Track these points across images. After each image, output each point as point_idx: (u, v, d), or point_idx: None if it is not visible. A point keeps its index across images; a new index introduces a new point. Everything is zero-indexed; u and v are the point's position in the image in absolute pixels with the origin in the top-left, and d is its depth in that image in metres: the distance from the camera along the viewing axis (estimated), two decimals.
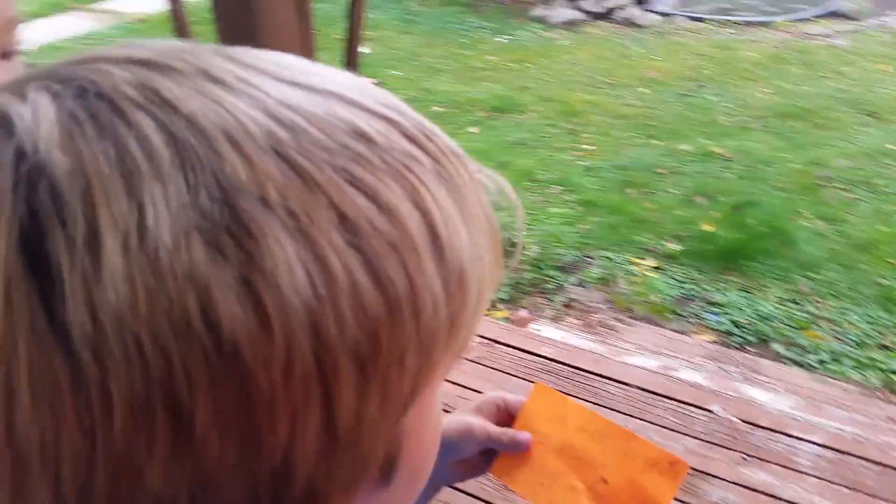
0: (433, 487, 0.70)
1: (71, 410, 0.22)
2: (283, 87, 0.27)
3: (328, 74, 0.30)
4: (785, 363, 3.00)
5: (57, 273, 0.22)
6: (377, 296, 0.25)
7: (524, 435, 0.68)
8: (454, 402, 2.10)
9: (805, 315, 3.36)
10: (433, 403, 0.35)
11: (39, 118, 0.24)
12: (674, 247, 3.94)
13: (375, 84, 0.33)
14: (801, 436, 2.20)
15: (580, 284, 3.59)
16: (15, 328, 0.22)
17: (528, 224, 4.14)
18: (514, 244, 0.42)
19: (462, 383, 2.37)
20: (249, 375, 0.23)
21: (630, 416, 2.30)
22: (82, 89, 0.25)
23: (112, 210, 0.23)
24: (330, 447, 0.26)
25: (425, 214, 0.27)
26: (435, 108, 5.91)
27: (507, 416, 0.71)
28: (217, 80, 0.27)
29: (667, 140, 5.31)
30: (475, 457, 0.70)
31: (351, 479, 0.28)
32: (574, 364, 2.50)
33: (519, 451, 0.68)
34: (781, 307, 3.42)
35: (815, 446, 2.17)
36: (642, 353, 2.81)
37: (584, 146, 5.28)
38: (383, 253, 0.26)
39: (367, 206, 0.26)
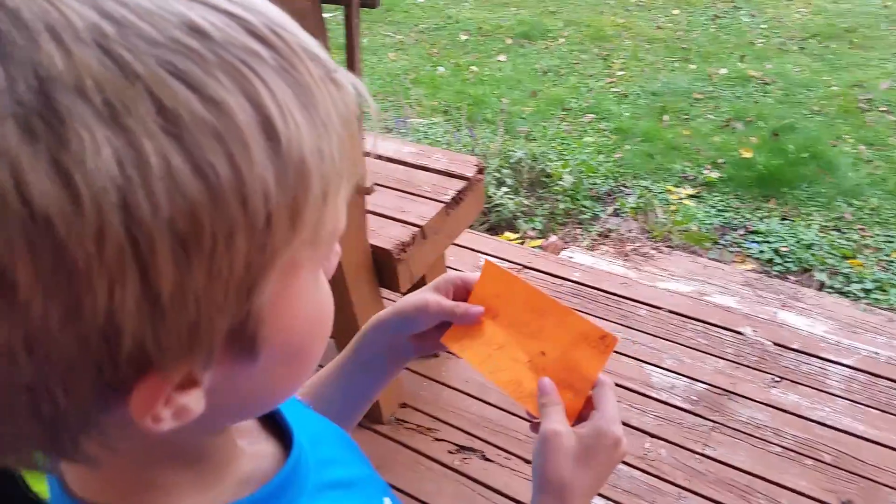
0: (397, 360, 0.77)
1: None
2: None
3: None
4: (828, 293, 2.93)
5: None
6: (196, 180, 0.27)
7: (476, 308, 0.72)
8: None
9: (849, 243, 3.29)
10: (308, 288, 0.37)
11: None
12: (712, 174, 3.87)
13: None
14: (833, 358, 2.20)
15: (616, 214, 3.56)
16: None
17: (562, 154, 4.10)
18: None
19: None
20: (64, 246, 0.26)
21: (657, 336, 2.30)
22: None
23: None
24: (153, 312, 0.28)
25: (259, 108, 0.29)
26: (462, 36, 5.76)
27: (464, 293, 0.75)
28: None
29: (701, 63, 5.16)
30: (432, 330, 0.74)
31: (188, 347, 0.31)
32: (603, 288, 2.50)
33: (471, 322, 0.72)
34: (824, 235, 3.35)
35: (847, 369, 2.16)
36: (675, 279, 2.77)
37: (617, 72, 5.16)
38: (205, 141, 0.28)
39: (190, 97, 0.27)
